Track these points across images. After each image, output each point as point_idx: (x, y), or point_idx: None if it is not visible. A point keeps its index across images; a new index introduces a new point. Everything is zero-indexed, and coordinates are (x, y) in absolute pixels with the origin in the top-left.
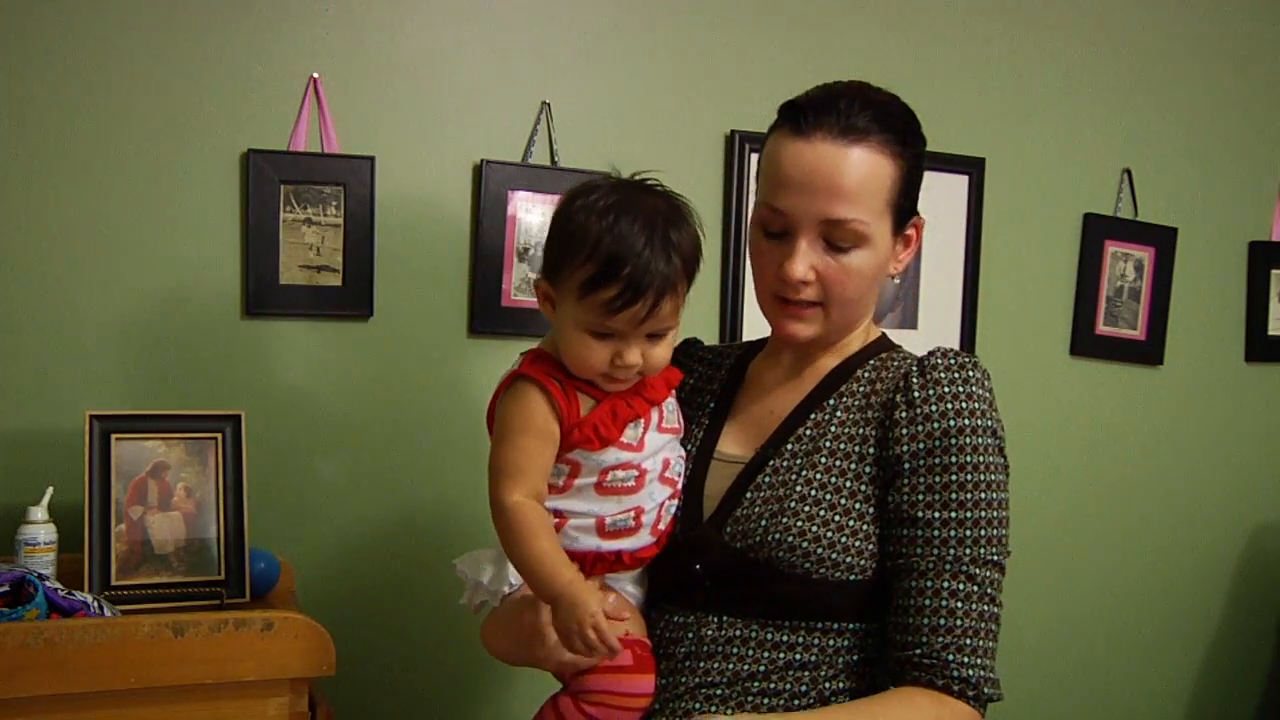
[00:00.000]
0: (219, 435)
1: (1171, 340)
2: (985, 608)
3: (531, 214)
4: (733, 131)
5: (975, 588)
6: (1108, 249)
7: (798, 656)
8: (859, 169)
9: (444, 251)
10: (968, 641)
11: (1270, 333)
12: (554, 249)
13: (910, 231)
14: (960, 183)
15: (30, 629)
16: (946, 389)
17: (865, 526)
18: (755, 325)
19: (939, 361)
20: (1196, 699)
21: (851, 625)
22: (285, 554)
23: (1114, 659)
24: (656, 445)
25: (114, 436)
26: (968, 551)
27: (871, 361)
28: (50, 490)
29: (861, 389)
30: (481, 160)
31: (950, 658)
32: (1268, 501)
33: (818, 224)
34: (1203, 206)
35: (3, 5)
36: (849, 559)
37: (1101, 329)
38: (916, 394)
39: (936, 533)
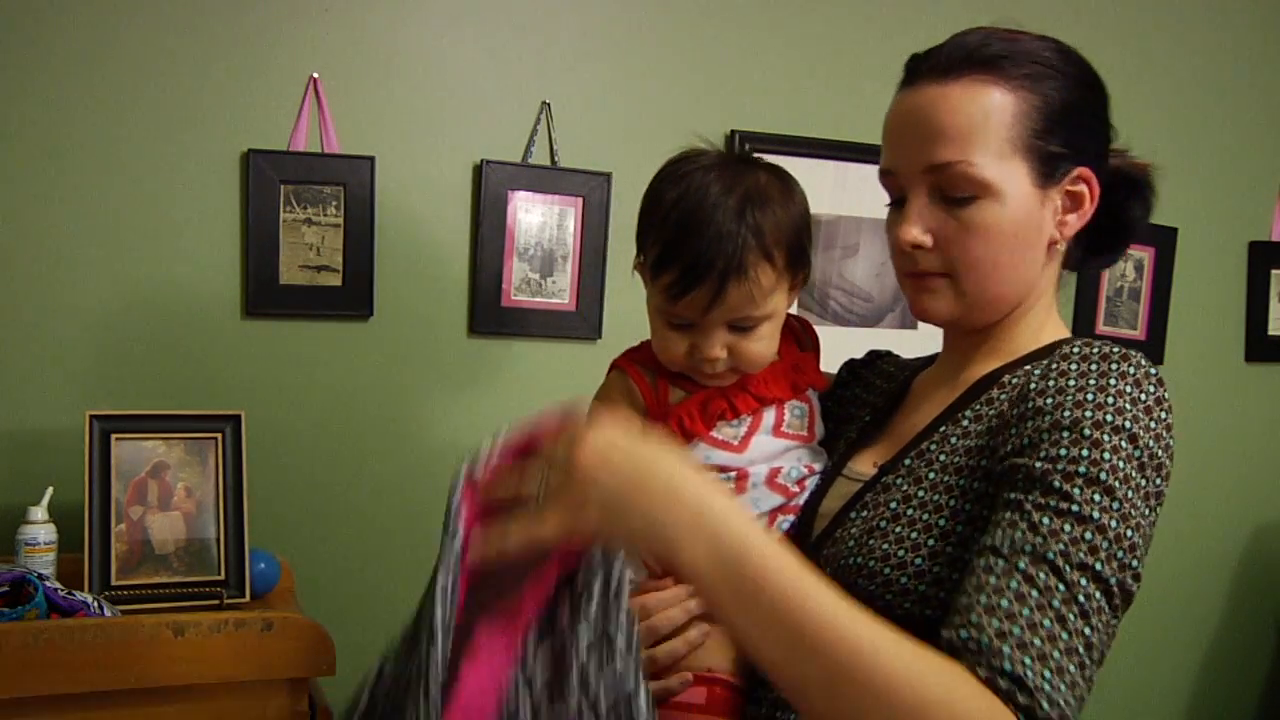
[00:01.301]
0: (219, 435)
1: (1171, 340)
2: (1071, 616)
3: (531, 214)
4: (733, 131)
5: (1063, 587)
6: None
7: None
8: (961, 104)
9: (444, 251)
10: (1034, 641)
11: (1270, 333)
12: (639, 222)
13: (1077, 187)
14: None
15: (30, 629)
16: (1072, 381)
17: (969, 557)
18: None
19: (1074, 351)
20: (1196, 699)
21: None
22: (285, 554)
23: (1114, 659)
24: (767, 450)
25: (114, 436)
26: (1061, 547)
27: (1027, 366)
28: (50, 490)
29: (1006, 395)
30: (481, 160)
31: (1005, 648)
32: (1268, 501)
33: (923, 175)
34: (1203, 206)
35: (2, 5)
36: (943, 594)
37: (1101, 329)
38: (1034, 385)
39: (1028, 516)
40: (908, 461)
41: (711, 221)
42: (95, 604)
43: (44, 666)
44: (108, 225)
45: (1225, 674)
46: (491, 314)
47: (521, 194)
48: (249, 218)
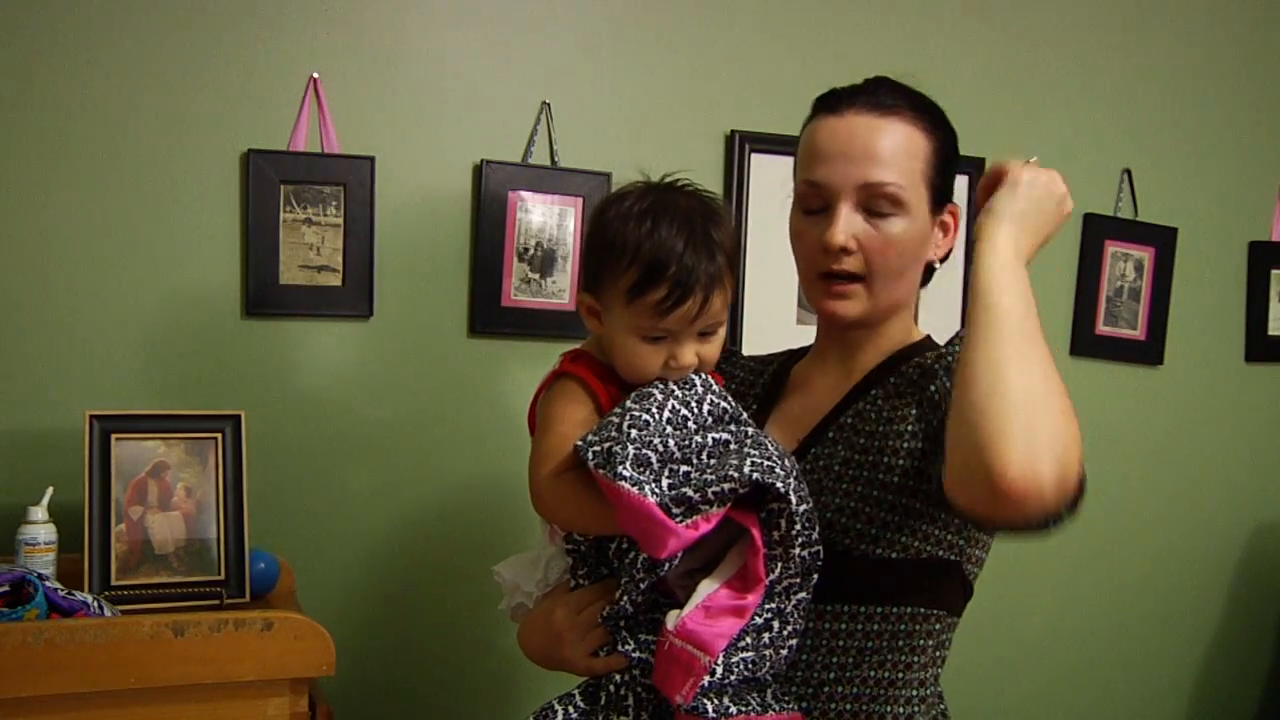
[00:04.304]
0: (219, 435)
1: (1171, 340)
2: None
3: (531, 214)
4: (733, 131)
5: None
6: (1108, 249)
7: (840, 643)
8: (893, 137)
9: (444, 251)
10: None
11: (1270, 333)
12: (593, 260)
13: (948, 218)
14: (960, 183)
15: (30, 629)
16: None
17: (904, 501)
18: (756, 327)
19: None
20: (1196, 699)
21: (898, 609)
22: (285, 554)
23: (1114, 659)
24: None
25: (114, 436)
26: None
27: (915, 359)
28: (50, 490)
29: (905, 381)
30: (481, 160)
31: None
32: (1268, 501)
33: (855, 190)
34: (1203, 206)
35: (2, 5)
36: (889, 535)
37: (1101, 329)
38: (951, 359)
39: None
40: (830, 434)
41: (686, 246)
42: (95, 604)
43: (44, 666)
44: (108, 225)
45: (1225, 674)
46: (491, 314)
47: (521, 194)
48: (249, 218)
